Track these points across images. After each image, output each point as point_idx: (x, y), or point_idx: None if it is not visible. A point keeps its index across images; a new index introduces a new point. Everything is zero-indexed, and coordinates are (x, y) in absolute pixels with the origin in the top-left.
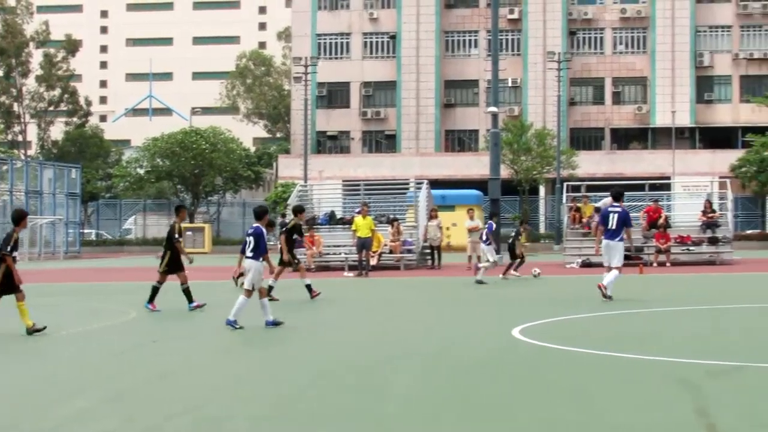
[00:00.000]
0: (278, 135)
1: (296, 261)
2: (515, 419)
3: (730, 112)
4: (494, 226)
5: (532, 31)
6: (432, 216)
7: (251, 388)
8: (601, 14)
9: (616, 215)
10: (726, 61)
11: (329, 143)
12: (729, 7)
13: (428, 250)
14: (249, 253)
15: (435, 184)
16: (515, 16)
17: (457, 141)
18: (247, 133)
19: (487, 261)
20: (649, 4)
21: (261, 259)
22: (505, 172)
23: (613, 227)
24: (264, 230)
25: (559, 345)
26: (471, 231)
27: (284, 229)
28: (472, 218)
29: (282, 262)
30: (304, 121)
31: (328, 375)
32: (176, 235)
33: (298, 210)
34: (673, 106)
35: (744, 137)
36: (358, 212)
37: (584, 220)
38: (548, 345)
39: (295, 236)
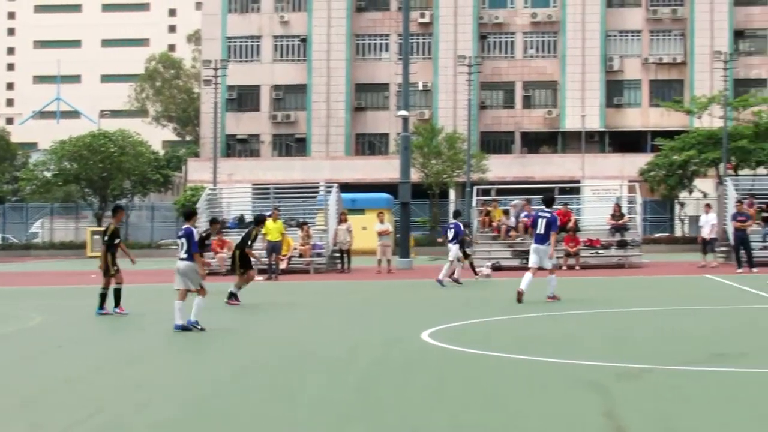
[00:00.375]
0: (188, 138)
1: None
2: (424, 424)
3: (639, 117)
4: (461, 225)
5: (443, 35)
6: (341, 220)
7: (156, 392)
8: (512, 18)
9: (544, 220)
10: (635, 65)
11: (239, 146)
12: (639, 11)
13: (338, 254)
14: (182, 255)
15: (345, 187)
16: (426, 19)
17: (368, 145)
18: (156, 136)
19: (457, 261)
20: (560, 8)
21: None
22: (415, 175)
23: (541, 231)
24: (194, 230)
25: (469, 348)
26: (381, 234)
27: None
28: (382, 222)
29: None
30: (214, 124)
31: (236, 380)
32: (106, 237)
33: (213, 221)
34: (583, 110)
35: (653, 141)
36: (269, 215)
37: (494, 223)
38: (458, 348)
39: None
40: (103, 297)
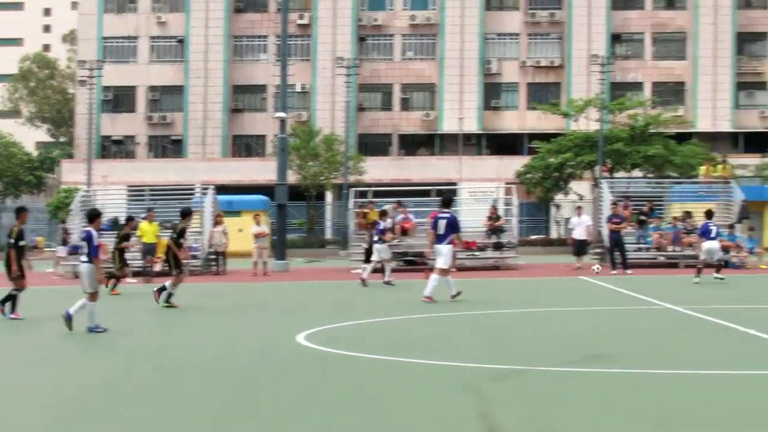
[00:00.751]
0: (62, 139)
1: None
2: (299, 427)
3: (516, 119)
4: (383, 225)
5: (321, 37)
6: (217, 222)
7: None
8: (391, 21)
9: (444, 221)
10: (513, 68)
11: (114, 148)
12: (517, 15)
13: (213, 256)
14: (83, 258)
15: (222, 189)
16: (305, 21)
17: (245, 146)
18: (29, 137)
19: (385, 260)
20: (439, 11)
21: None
22: (292, 177)
23: (441, 232)
24: (94, 233)
25: (345, 350)
26: (257, 236)
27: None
28: (258, 224)
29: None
30: (89, 125)
31: (108, 386)
32: (11, 240)
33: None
34: (460, 112)
35: (530, 144)
36: (144, 218)
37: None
38: (333, 350)
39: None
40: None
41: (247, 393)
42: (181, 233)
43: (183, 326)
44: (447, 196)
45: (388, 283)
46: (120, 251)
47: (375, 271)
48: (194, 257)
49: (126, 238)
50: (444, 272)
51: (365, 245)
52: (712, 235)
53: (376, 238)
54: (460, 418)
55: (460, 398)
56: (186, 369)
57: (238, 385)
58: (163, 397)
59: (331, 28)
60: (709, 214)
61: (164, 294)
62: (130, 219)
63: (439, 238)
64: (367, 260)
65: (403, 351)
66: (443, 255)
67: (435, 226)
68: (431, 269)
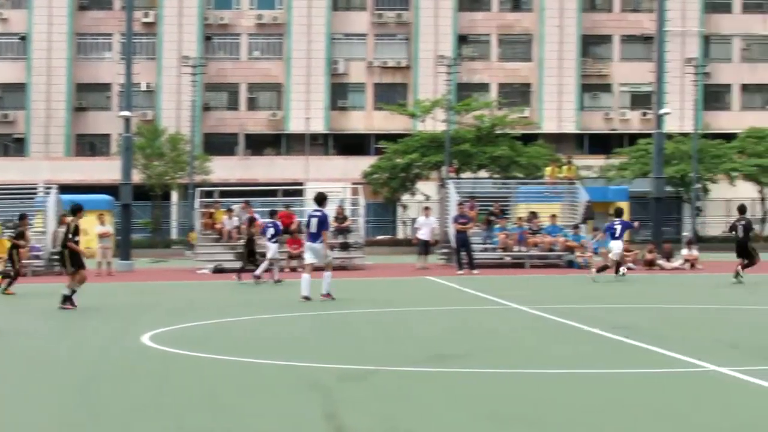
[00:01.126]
0: None
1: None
2: (142, 428)
3: (363, 120)
4: (279, 224)
5: (167, 35)
6: (62, 222)
7: None
8: (238, 20)
9: (315, 219)
10: (360, 68)
11: None
12: (364, 15)
13: (57, 256)
14: None
15: (65, 189)
16: (150, 19)
17: (89, 145)
18: None
19: (275, 260)
20: (286, 10)
21: None
22: (137, 177)
23: (314, 230)
24: None
25: (191, 351)
26: (102, 236)
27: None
28: (102, 224)
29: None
30: None
31: None
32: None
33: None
34: (307, 112)
35: (377, 144)
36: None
37: (217, 225)
38: (179, 351)
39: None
40: None
41: (89, 395)
42: (19, 235)
43: (23, 327)
44: (320, 194)
45: (278, 281)
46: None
47: (243, 269)
48: (37, 257)
49: (21, 235)
50: (311, 269)
51: (240, 247)
52: (617, 234)
53: (269, 236)
54: (307, 418)
55: (306, 398)
56: (25, 371)
57: (80, 387)
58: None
59: (176, 26)
60: (618, 213)
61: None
62: (23, 216)
63: (312, 237)
64: (250, 260)
65: (249, 351)
66: (317, 252)
67: (308, 224)
68: (329, 266)
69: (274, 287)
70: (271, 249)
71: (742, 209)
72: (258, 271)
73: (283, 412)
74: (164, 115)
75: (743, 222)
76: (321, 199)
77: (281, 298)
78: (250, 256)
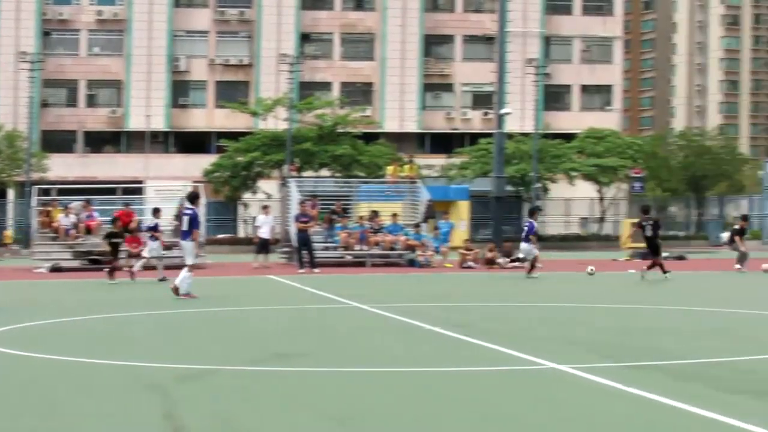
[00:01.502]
0: None
1: None
2: None
3: (204, 117)
4: (159, 222)
5: (4, 30)
6: None
7: None
8: (77, 15)
9: (187, 217)
10: (202, 66)
11: None
12: (206, 12)
13: None
14: None
15: None
16: None
17: None
18: None
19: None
20: (127, 6)
21: None
22: None
23: (185, 228)
24: None
25: (22, 351)
26: None
27: None
28: None
29: None
30: None
31: None
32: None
33: None
34: (147, 110)
35: (218, 142)
36: None
37: (54, 224)
38: (9, 351)
39: None
40: None
41: None
42: None
43: None
44: (193, 192)
45: (163, 279)
46: None
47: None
48: None
49: None
50: (191, 267)
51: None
52: (522, 236)
53: (149, 235)
54: (144, 418)
55: (144, 399)
56: None
57: None
58: None
59: (14, 21)
60: (532, 213)
61: None
62: None
63: (183, 234)
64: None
65: (86, 351)
66: (189, 250)
67: (179, 221)
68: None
69: (133, 285)
70: (151, 248)
71: (645, 209)
72: (135, 267)
73: (120, 413)
74: (1, 112)
75: (650, 221)
76: (194, 198)
77: (121, 298)
78: (113, 253)
